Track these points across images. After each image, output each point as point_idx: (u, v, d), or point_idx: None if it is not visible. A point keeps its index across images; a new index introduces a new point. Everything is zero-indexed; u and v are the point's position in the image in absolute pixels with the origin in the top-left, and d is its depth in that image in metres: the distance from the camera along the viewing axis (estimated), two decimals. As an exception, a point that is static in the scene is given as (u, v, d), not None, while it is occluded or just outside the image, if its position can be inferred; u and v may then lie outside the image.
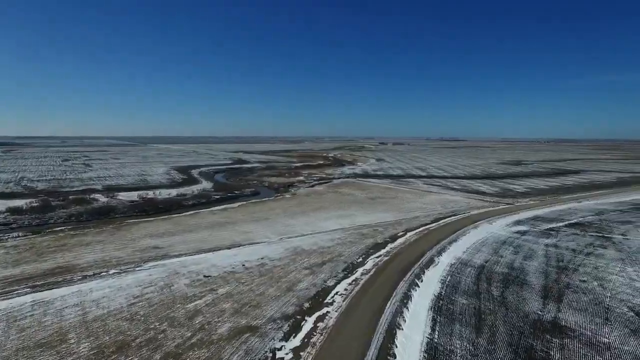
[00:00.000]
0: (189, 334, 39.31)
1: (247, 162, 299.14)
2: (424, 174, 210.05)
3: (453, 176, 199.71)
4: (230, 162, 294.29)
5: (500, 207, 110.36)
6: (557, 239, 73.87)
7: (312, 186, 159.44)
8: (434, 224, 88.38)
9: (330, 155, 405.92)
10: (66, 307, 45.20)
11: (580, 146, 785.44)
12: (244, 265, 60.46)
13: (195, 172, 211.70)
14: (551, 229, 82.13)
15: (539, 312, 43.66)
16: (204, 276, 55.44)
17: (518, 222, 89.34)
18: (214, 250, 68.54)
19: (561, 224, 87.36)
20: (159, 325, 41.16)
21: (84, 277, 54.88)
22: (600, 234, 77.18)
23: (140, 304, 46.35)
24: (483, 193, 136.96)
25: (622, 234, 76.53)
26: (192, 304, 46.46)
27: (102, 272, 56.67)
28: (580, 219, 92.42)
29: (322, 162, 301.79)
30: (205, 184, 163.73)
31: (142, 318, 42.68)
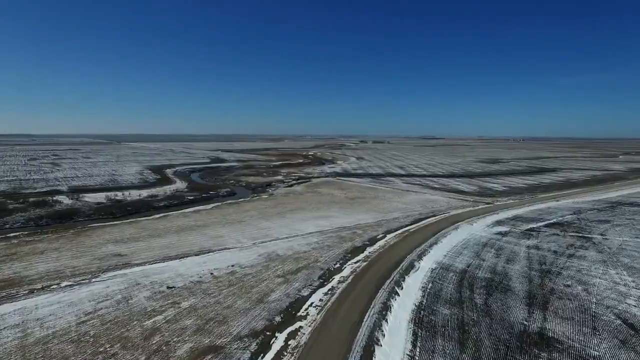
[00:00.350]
0: (143, 358, 34.95)
1: (225, 160, 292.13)
2: (403, 172, 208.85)
3: (432, 174, 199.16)
4: (207, 160, 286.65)
5: (480, 206, 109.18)
6: (538, 240, 72.35)
7: (291, 186, 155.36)
8: (414, 225, 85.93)
9: (310, 153, 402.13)
10: (4, 328, 39.99)
11: (554, 144, 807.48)
12: (212, 273, 56.12)
13: (170, 172, 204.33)
14: (532, 230, 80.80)
15: (525, 322, 41.17)
16: (167, 287, 50.89)
17: (499, 223, 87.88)
18: (181, 257, 63.82)
19: (541, 223, 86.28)
20: (109, 347, 36.59)
21: (31, 291, 49.45)
22: (580, 234, 76.19)
23: (92, 322, 41.55)
24: (462, 192, 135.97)
25: (601, 234, 75.71)
26: (151, 320, 41.96)
27: (52, 285, 51.31)
28: (560, 218, 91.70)
29: (301, 160, 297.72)
30: (180, 184, 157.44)
31: (92, 339, 37.98)
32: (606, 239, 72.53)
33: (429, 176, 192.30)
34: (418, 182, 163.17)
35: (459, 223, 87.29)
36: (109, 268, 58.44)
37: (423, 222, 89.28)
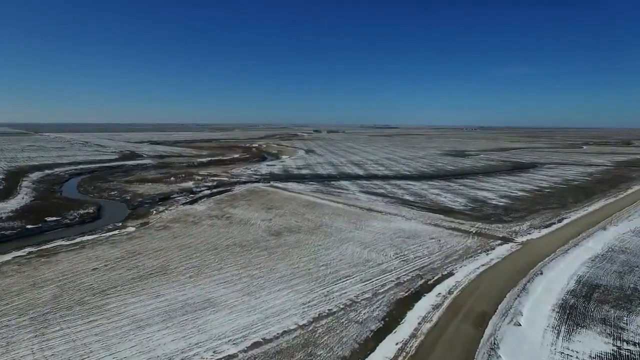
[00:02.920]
0: None
1: (139, 156, 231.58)
2: (361, 172, 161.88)
3: (398, 175, 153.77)
4: (115, 157, 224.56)
5: (496, 250, 62.89)
6: None
7: (194, 202, 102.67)
8: (388, 339, 37.34)
9: (254, 145, 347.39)
10: None
11: (505, 133, 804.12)
12: None
13: (34, 176, 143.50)
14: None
15: None
16: None
17: (577, 322, 41.45)
18: None
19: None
20: None
21: None
22: None
23: None
24: (451, 211, 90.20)
25: None
26: None
27: None
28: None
29: (237, 155, 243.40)
30: (17, 201, 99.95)
31: None
32: None
33: (395, 178, 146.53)
34: (382, 191, 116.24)
35: (488, 320, 40.01)
36: None
37: (406, 318, 41.18)
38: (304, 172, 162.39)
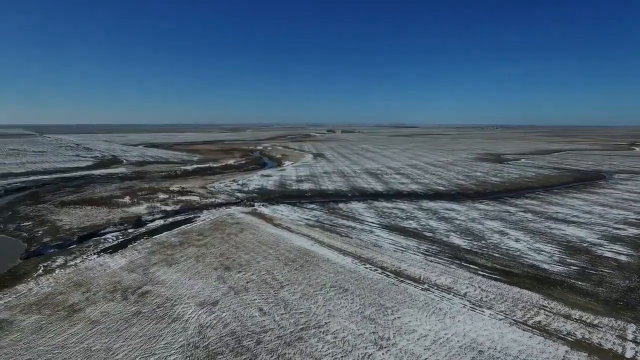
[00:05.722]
0: None
1: (118, 163, 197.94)
2: (381, 187, 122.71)
3: (430, 192, 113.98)
4: (89, 164, 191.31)
5: None
6: None
7: (123, 245, 65.85)
8: None
9: (257, 148, 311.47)
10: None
11: (531, 132, 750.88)
12: None
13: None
14: None
15: None
16: None
17: None
18: None
19: None
20: None
21: None
22: None
23: None
24: (546, 279, 50.10)
25: None
26: None
27: None
28: None
29: (233, 161, 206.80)
30: None
31: None
32: None
33: (427, 197, 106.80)
34: (414, 225, 76.86)
35: None
36: None
37: None
38: (304, 186, 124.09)
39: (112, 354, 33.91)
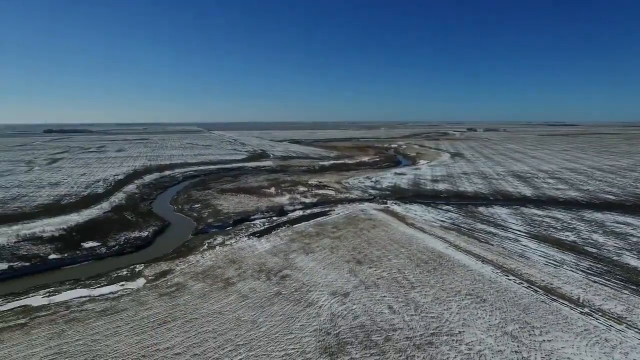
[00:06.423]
0: None
1: (266, 157, 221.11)
2: (529, 191, 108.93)
3: (594, 200, 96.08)
4: (244, 157, 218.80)
5: None
6: None
7: (268, 231, 73.49)
8: None
9: (392, 146, 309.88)
10: None
11: None
12: None
13: (147, 179, 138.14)
14: None
15: None
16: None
17: None
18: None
19: None
20: None
21: None
22: None
23: None
24: None
25: None
26: None
27: None
28: None
29: (367, 158, 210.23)
30: (89, 213, 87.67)
31: None
32: None
33: (590, 206, 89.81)
34: (572, 237, 65.88)
35: None
36: None
37: None
38: (440, 186, 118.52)
39: (256, 326, 38.18)
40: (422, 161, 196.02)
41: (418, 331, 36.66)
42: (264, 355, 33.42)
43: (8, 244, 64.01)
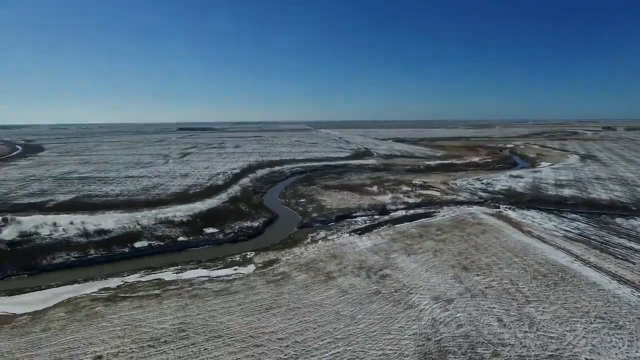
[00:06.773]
0: None
1: (369, 155, 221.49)
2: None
3: None
4: (348, 154, 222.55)
5: None
6: None
7: (370, 229, 73.58)
8: None
9: (507, 146, 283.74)
10: None
11: None
12: None
13: (259, 174, 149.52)
14: None
15: None
16: None
17: None
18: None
19: None
20: None
21: None
22: None
23: None
24: None
25: None
26: None
27: None
28: None
29: (477, 159, 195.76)
30: (210, 202, 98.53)
31: None
32: None
33: None
34: None
35: None
36: None
37: None
38: (565, 192, 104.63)
39: (355, 322, 38.55)
40: (543, 163, 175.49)
41: (533, 350, 33.01)
42: (362, 351, 33.59)
43: (149, 225, 75.33)
